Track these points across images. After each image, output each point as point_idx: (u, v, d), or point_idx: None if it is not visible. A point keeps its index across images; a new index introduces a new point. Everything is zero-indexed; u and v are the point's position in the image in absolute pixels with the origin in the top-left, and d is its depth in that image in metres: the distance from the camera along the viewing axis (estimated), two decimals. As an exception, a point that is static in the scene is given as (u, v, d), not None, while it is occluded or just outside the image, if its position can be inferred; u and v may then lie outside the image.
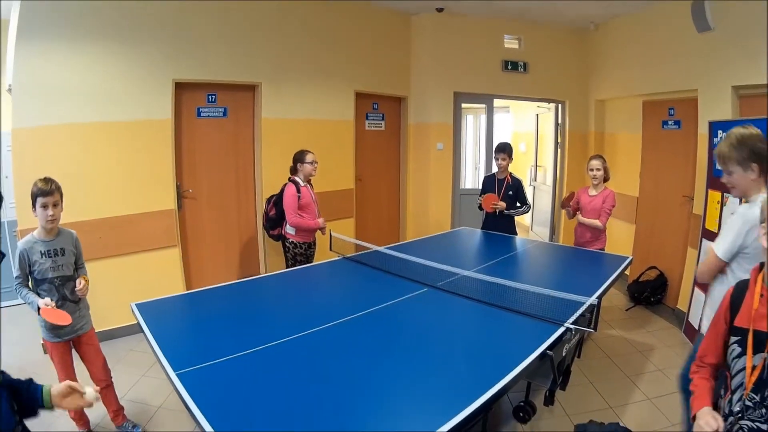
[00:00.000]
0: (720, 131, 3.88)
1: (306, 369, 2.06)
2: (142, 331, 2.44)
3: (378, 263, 3.62)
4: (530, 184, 8.51)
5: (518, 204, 4.72)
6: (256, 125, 5.21)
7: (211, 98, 4.88)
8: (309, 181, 4.38)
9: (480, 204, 4.79)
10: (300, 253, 4.31)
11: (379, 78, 6.24)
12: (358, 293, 3.23)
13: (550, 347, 2.24)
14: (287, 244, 4.34)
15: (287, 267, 4.30)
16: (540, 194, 8.09)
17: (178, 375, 1.95)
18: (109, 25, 4.11)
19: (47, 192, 2.62)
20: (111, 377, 3.01)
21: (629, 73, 5.84)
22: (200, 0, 4.56)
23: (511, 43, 6.67)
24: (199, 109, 4.83)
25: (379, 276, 3.41)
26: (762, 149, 2.16)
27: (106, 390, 2.95)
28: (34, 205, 2.64)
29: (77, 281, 2.77)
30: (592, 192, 4.33)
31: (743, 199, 2.35)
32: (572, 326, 2.43)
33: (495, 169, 4.84)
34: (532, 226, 8.50)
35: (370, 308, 2.74)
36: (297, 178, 4.29)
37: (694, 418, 1.61)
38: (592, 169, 4.28)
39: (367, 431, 1.63)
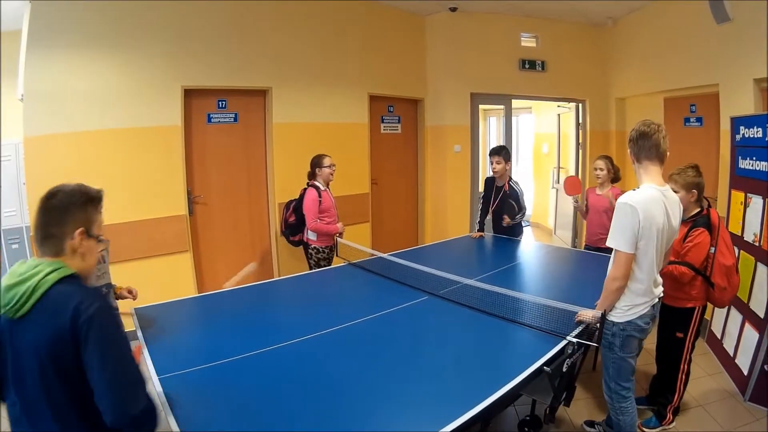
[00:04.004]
0: (742, 127, 3.68)
1: (295, 376, 2.05)
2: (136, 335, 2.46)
3: (381, 270, 3.56)
4: (553, 187, 8.32)
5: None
6: (267, 130, 5.19)
7: (222, 104, 4.89)
8: (327, 186, 4.34)
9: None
10: (323, 258, 4.27)
11: (394, 80, 6.17)
12: (357, 300, 3.19)
13: (548, 362, 2.14)
14: (310, 251, 4.29)
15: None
16: (563, 197, 7.88)
17: (160, 379, 1.96)
18: (117, 33, 4.14)
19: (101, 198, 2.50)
20: None
21: (649, 70, 5.64)
22: (207, 1, 4.57)
23: (528, 42, 6.51)
24: (209, 115, 4.84)
25: (381, 283, 3.36)
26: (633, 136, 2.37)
27: None
28: None
29: (126, 290, 2.64)
30: (599, 191, 4.28)
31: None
32: (574, 339, 2.31)
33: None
34: (555, 230, 8.30)
35: (366, 316, 2.69)
36: (317, 183, 4.26)
37: None
38: (596, 169, 4.23)
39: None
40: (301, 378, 2.04)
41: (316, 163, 4.28)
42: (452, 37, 6.25)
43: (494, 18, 6.25)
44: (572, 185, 4.55)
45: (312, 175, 4.32)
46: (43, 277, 1.37)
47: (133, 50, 4.24)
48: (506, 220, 4.42)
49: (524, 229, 4.99)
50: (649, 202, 2.24)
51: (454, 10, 5.98)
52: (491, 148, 4.62)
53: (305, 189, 4.30)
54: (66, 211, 1.49)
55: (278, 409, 1.79)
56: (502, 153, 4.47)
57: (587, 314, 2.42)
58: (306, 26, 5.26)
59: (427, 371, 2.09)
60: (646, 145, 2.31)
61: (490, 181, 4.69)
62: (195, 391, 1.94)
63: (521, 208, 4.50)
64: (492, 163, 4.50)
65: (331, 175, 4.30)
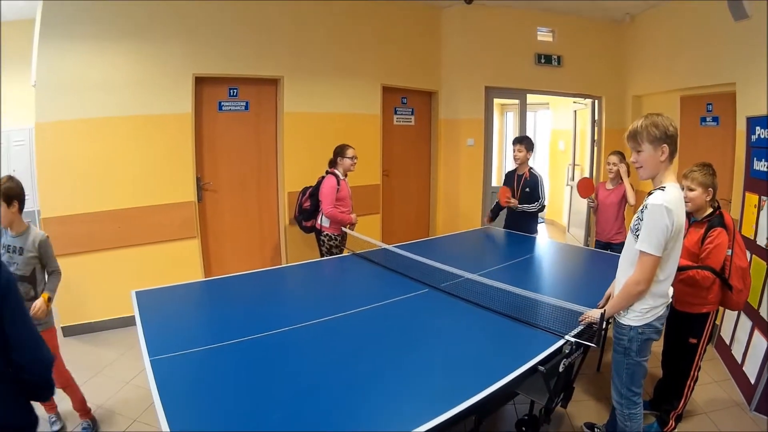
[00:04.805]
0: (758, 127, 3.58)
1: (284, 363, 2.06)
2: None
3: (385, 261, 3.54)
4: (567, 184, 8.20)
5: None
6: (278, 119, 5.19)
7: (233, 92, 4.89)
8: (346, 176, 4.37)
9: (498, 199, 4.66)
10: (335, 245, 4.30)
11: (408, 72, 6.12)
12: (356, 291, 3.18)
13: (543, 361, 2.09)
14: (322, 237, 4.32)
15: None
16: (577, 194, 7.76)
17: (152, 360, 1.97)
18: (128, 20, 4.18)
19: None
20: (71, 378, 2.88)
21: (665, 67, 5.53)
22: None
23: (544, 36, 6.40)
24: (220, 102, 4.85)
25: (383, 274, 3.34)
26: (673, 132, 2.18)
27: (68, 391, 2.85)
28: None
29: (34, 303, 2.55)
30: (609, 186, 4.29)
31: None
32: (573, 339, 2.26)
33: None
34: (569, 228, 8.18)
35: (364, 306, 2.68)
36: (337, 171, 4.29)
37: None
38: (609, 163, 4.24)
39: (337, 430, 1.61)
40: (290, 365, 2.04)
41: (339, 152, 4.31)
42: (468, 29, 6.17)
43: (510, 11, 6.15)
44: (585, 187, 4.49)
45: (333, 163, 4.34)
46: None
47: (145, 38, 4.28)
48: (513, 201, 4.46)
49: (539, 226, 4.94)
50: (677, 202, 2.17)
51: (470, 2, 5.89)
52: (514, 137, 4.65)
53: (324, 176, 4.33)
54: None
55: (265, 395, 1.80)
56: (525, 142, 4.51)
57: (594, 314, 2.37)
58: (320, 15, 5.23)
59: (417, 364, 2.06)
60: (677, 143, 2.21)
61: (510, 175, 4.70)
62: (186, 373, 1.94)
63: (537, 197, 4.47)
64: (514, 151, 4.55)
65: (353, 166, 4.33)
